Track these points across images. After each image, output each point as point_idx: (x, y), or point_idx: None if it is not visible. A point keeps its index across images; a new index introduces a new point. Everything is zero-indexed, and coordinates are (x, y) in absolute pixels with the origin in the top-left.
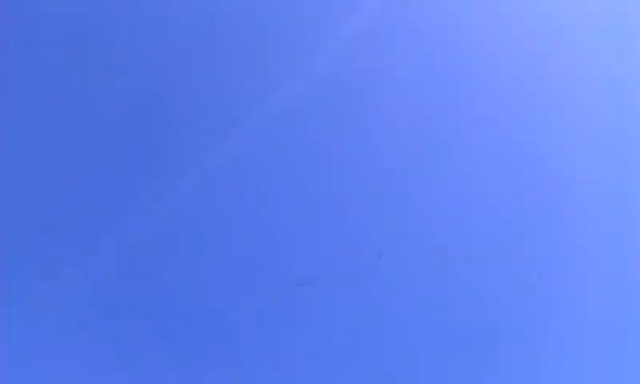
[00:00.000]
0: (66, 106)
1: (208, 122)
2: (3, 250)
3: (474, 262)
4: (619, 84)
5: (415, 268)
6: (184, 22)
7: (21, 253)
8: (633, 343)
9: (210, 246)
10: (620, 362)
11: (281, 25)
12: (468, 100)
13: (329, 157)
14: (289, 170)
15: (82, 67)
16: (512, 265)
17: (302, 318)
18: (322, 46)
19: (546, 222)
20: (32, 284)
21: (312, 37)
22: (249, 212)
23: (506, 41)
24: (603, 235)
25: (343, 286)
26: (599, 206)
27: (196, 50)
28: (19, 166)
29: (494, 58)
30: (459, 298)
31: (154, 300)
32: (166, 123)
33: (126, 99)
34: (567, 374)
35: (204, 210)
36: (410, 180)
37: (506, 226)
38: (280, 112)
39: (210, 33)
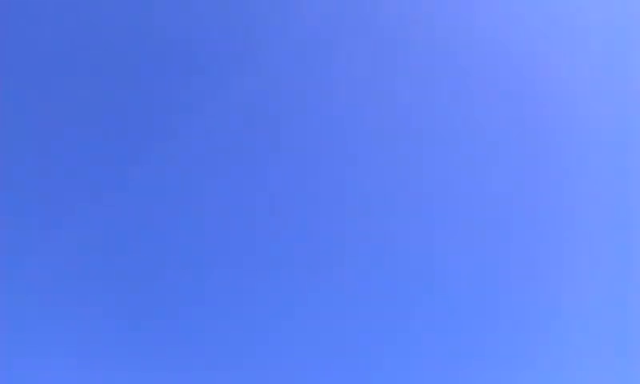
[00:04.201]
0: (48, 96)
1: (203, 114)
2: None
3: (474, 261)
4: (619, 84)
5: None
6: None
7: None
8: (633, 343)
9: (209, 241)
10: (620, 362)
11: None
12: (465, 98)
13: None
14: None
15: (65, 50)
16: (513, 264)
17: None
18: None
19: (548, 222)
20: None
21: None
22: (245, 209)
23: (505, 41)
24: (603, 235)
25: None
26: (599, 206)
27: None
28: None
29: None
30: (459, 297)
31: (147, 298)
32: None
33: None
34: (568, 374)
35: (200, 206)
36: (405, 179)
37: (506, 225)
38: (280, 110)
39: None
